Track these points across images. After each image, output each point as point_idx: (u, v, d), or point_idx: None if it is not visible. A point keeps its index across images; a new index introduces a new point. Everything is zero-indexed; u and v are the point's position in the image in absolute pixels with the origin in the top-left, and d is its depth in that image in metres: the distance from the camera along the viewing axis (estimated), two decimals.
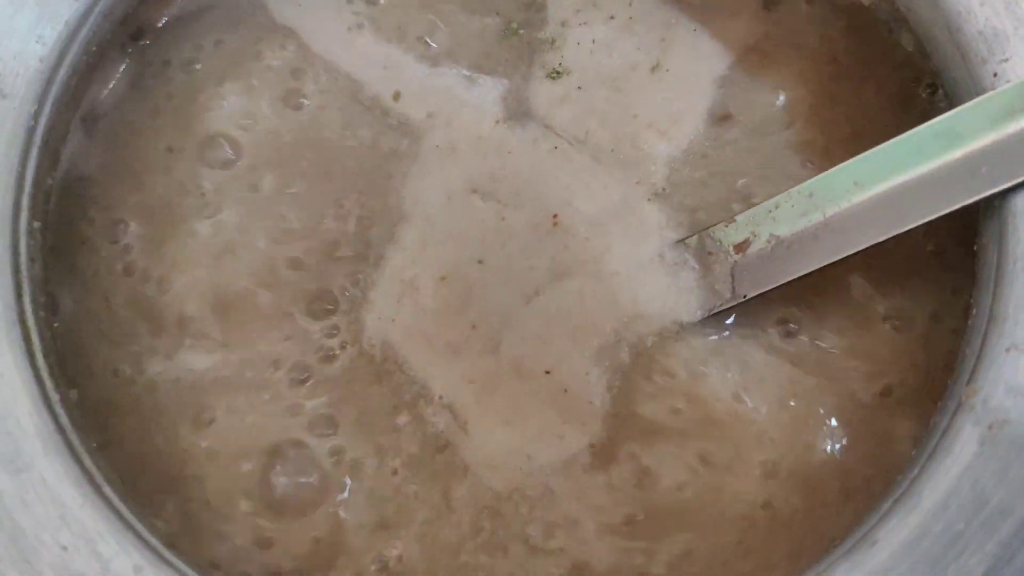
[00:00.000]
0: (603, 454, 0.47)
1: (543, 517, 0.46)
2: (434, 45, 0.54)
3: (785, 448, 0.47)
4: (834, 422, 0.47)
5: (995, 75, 0.44)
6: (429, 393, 0.48)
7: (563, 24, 0.54)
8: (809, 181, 0.47)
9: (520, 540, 0.46)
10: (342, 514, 0.46)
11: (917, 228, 0.43)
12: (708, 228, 0.50)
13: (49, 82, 0.48)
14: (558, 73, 0.53)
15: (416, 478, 0.47)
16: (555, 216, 0.51)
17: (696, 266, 0.50)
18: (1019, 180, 0.42)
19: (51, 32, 0.47)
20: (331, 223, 0.51)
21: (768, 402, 0.48)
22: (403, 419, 0.48)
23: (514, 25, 0.54)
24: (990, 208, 0.44)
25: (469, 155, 0.52)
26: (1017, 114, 0.42)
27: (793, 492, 0.46)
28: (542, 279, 0.50)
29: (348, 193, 0.51)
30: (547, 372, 0.48)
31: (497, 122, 0.52)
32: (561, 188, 0.51)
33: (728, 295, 0.49)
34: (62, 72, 0.48)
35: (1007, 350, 0.40)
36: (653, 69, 0.53)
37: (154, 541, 0.41)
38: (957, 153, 0.43)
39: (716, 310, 0.49)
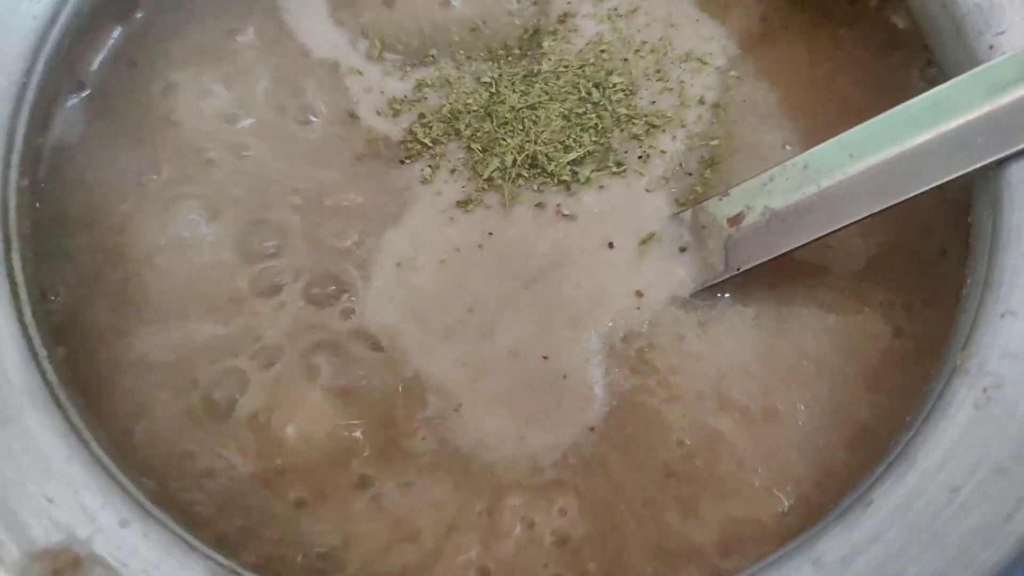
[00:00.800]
0: (602, 439, 0.47)
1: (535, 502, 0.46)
2: None
3: (776, 427, 0.47)
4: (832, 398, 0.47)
5: (991, 47, 0.45)
6: (424, 374, 0.48)
7: None
8: (804, 154, 0.47)
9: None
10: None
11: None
12: (702, 202, 0.50)
13: (42, 39, 0.47)
14: None
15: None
16: (558, 205, 0.50)
17: (690, 239, 0.50)
18: (1013, 150, 0.42)
19: None
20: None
21: (756, 378, 0.48)
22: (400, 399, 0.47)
23: None
24: (984, 178, 0.44)
25: None
26: (1012, 85, 0.42)
27: (790, 467, 0.46)
28: (541, 265, 0.50)
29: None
30: (545, 358, 0.48)
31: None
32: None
33: (721, 268, 0.49)
34: (55, 32, 0.48)
35: (1002, 315, 0.41)
36: (652, 51, 0.53)
37: (140, 495, 0.40)
38: (952, 124, 0.43)
39: (709, 283, 0.49)
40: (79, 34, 0.50)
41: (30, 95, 0.47)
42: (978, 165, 0.43)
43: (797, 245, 0.47)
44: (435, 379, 0.47)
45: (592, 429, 0.47)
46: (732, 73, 0.53)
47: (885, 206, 0.45)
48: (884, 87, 0.52)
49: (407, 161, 0.52)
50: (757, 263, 0.48)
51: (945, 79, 0.47)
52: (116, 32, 0.53)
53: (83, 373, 0.45)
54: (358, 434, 0.46)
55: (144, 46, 0.53)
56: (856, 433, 0.46)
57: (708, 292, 0.49)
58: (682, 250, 0.50)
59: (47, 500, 0.39)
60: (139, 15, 0.54)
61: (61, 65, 0.49)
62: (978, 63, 0.45)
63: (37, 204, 0.48)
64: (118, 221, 0.50)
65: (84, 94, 0.52)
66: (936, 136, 0.44)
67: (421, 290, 0.49)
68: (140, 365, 0.47)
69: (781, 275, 0.49)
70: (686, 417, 0.47)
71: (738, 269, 0.49)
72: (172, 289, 0.49)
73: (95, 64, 0.53)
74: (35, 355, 0.42)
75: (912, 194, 0.44)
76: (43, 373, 0.42)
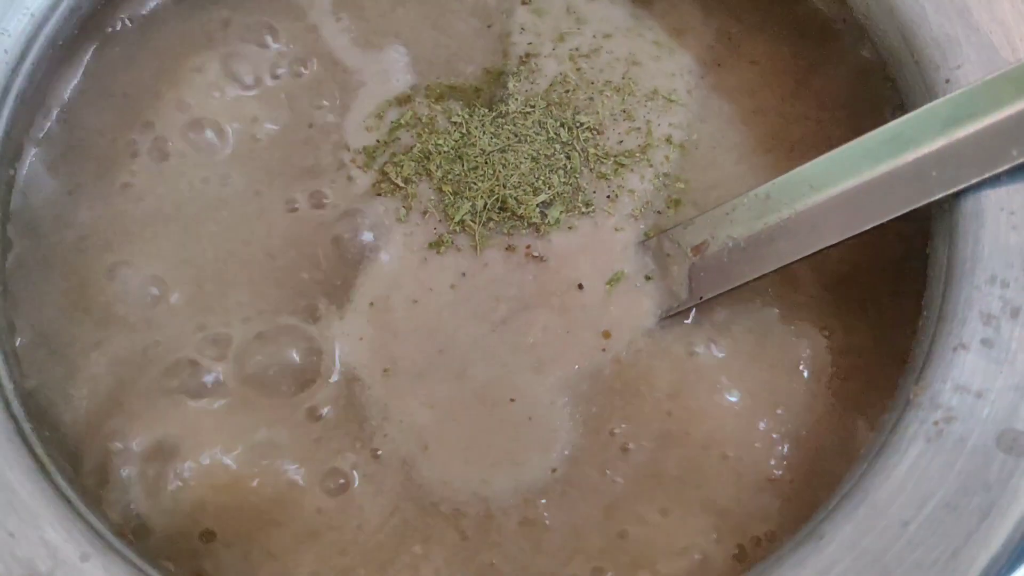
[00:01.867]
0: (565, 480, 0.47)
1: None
2: None
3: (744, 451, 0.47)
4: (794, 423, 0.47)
5: (947, 81, 0.45)
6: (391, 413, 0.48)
7: None
8: (765, 185, 0.48)
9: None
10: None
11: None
12: (667, 230, 0.51)
13: (13, 73, 0.48)
14: None
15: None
16: (528, 247, 0.51)
17: (655, 267, 0.50)
18: (968, 184, 0.43)
19: (16, 24, 0.48)
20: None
21: (718, 414, 0.48)
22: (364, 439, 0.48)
23: None
24: (941, 210, 0.45)
25: None
26: (965, 120, 0.43)
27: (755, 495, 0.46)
28: (510, 308, 0.50)
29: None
30: (512, 400, 0.48)
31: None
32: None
33: (685, 296, 0.49)
34: (26, 65, 0.49)
35: (954, 349, 0.41)
36: (617, 90, 0.54)
37: (102, 529, 0.40)
38: (908, 157, 0.44)
39: (673, 312, 0.50)
40: (52, 65, 0.51)
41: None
42: (933, 198, 0.43)
43: (759, 274, 0.47)
44: (403, 419, 0.48)
45: (554, 471, 0.47)
46: (696, 109, 0.54)
47: (844, 237, 0.45)
48: (855, 118, 0.53)
49: (379, 203, 0.52)
50: (720, 291, 0.49)
51: (906, 110, 0.48)
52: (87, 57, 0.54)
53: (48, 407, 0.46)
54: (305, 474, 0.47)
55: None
56: (813, 465, 0.46)
57: (673, 319, 0.50)
58: (647, 278, 0.50)
59: (8, 534, 0.39)
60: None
61: (34, 97, 0.50)
62: (935, 96, 0.45)
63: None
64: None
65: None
66: (893, 169, 0.44)
67: (392, 329, 0.49)
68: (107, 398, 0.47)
69: (741, 305, 0.50)
70: (645, 456, 0.47)
71: (701, 298, 0.49)
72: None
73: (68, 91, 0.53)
74: (1, 389, 0.43)
75: (870, 225, 0.44)
76: (7, 405, 0.42)
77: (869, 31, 0.50)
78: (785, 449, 0.47)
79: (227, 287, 0.50)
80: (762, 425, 0.47)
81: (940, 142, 0.43)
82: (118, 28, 0.54)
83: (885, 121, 0.45)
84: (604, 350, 0.49)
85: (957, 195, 0.43)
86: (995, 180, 0.43)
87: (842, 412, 0.47)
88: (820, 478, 0.45)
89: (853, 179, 0.45)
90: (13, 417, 0.42)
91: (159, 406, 0.47)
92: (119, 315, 0.49)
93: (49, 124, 0.52)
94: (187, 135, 0.52)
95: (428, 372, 0.49)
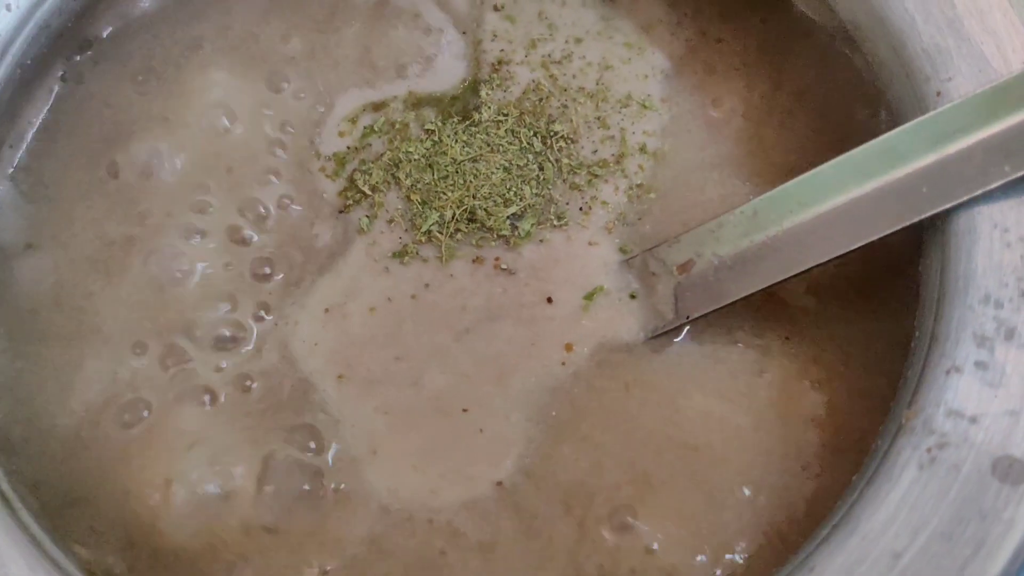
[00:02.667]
0: (506, 496, 0.46)
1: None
2: None
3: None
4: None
5: (938, 93, 0.44)
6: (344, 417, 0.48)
7: None
8: (752, 201, 0.46)
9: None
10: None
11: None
12: (652, 248, 0.49)
13: None
14: None
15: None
16: (497, 259, 0.50)
17: (639, 286, 0.49)
18: (959, 200, 0.42)
19: None
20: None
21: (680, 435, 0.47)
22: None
23: None
24: (933, 228, 0.43)
25: None
26: (957, 134, 0.42)
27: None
28: (475, 318, 0.49)
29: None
30: (464, 410, 0.48)
31: None
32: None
33: (671, 316, 0.48)
34: None
35: (947, 372, 0.40)
36: (591, 96, 0.53)
37: (70, 567, 0.39)
38: (898, 173, 0.43)
39: (659, 331, 0.49)
40: (21, 85, 0.50)
41: None
42: (925, 215, 0.42)
43: (746, 293, 0.46)
44: (355, 423, 0.47)
45: (499, 484, 0.46)
46: (672, 116, 0.53)
47: (834, 255, 0.44)
48: (842, 127, 0.52)
49: (345, 212, 0.51)
50: (707, 311, 0.47)
51: (896, 122, 0.47)
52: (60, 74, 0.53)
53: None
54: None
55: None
56: (802, 495, 0.45)
57: (658, 339, 0.49)
58: (632, 297, 0.49)
59: None
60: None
61: (2, 118, 0.49)
62: (926, 109, 0.44)
63: None
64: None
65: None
66: (883, 185, 0.43)
67: (348, 336, 0.49)
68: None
69: (723, 326, 0.49)
70: (605, 478, 0.46)
71: (688, 317, 0.48)
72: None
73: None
74: None
75: (860, 244, 0.43)
76: None
77: (859, 42, 0.49)
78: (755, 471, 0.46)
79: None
80: (732, 447, 0.46)
81: (931, 157, 0.42)
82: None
83: (868, 127, 0.44)
84: (564, 364, 0.48)
85: (949, 212, 0.42)
86: (988, 196, 0.41)
87: (808, 429, 0.46)
88: (787, 495, 0.45)
89: (842, 195, 0.44)
90: None
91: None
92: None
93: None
94: None
95: (384, 379, 0.48)
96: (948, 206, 0.42)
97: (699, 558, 0.44)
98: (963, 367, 0.40)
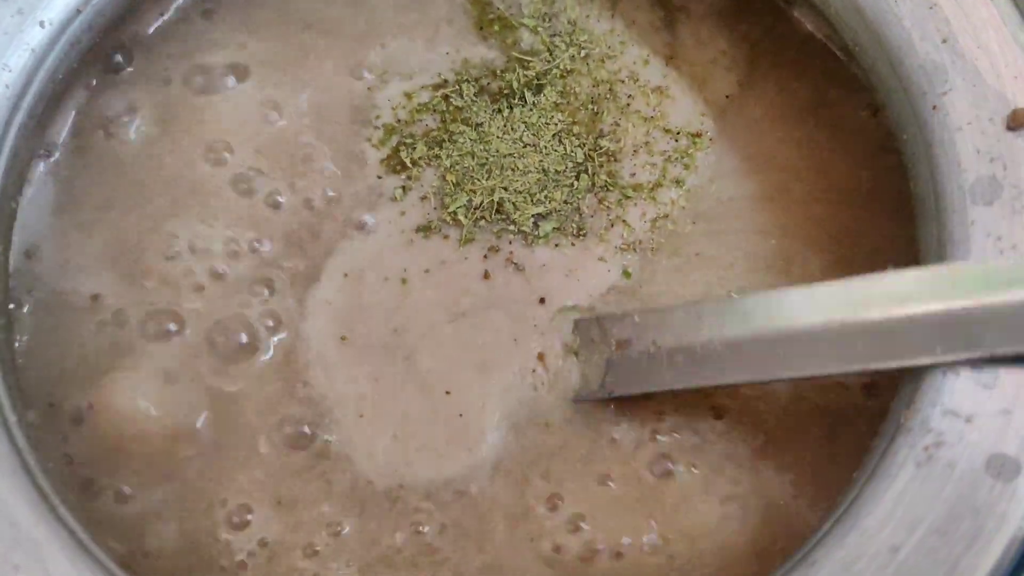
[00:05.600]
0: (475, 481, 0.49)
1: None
2: None
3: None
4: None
5: (935, 108, 0.46)
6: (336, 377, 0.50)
7: None
8: (702, 303, 0.47)
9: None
10: None
11: None
12: (604, 316, 0.50)
13: (14, 109, 0.48)
14: None
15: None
16: (511, 253, 0.52)
17: (578, 350, 0.51)
18: (888, 365, 0.42)
19: (17, 60, 0.48)
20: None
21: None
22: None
23: None
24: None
25: None
26: (907, 301, 0.41)
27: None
28: (472, 304, 0.51)
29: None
30: (447, 392, 0.50)
31: None
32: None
33: (596, 387, 0.49)
34: (28, 99, 0.49)
35: (944, 373, 0.41)
36: (645, 120, 0.54)
37: (108, 562, 0.41)
38: (850, 320, 0.42)
39: (584, 399, 0.50)
40: (54, 99, 0.52)
41: (1, 163, 0.48)
42: (865, 368, 0.42)
43: (674, 388, 0.46)
44: (347, 385, 0.50)
45: (470, 468, 0.49)
46: (713, 156, 0.54)
47: (763, 379, 0.45)
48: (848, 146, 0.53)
49: (381, 179, 0.53)
50: (630, 392, 0.48)
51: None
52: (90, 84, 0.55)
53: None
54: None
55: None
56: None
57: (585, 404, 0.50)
58: (575, 354, 0.51)
59: (13, 567, 0.40)
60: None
61: (34, 132, 0.51)
62: (923, 123, 0.46)
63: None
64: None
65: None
66: (832, 328, 0.42)
67: (359, 301, 0.51)
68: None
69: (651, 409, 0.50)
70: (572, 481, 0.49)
71: (610, 394, 0.48)
72: None
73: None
74: (4, 421, 0.43)
75: (807, 375, 0.43)
76: (11, 438, 0.43)
77: (858, 57, 0.51)
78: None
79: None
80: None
81: (876, 315, 0.41)
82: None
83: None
84: (535, 371, 0.50)
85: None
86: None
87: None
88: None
89: (786, 324, 0.43)
90: (17, 450, 0.43)
91: None
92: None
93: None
94: None
95: (380, 348, 0.50)
96: (879, 367, 0.42)
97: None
98: (959, 368, 0.41)
